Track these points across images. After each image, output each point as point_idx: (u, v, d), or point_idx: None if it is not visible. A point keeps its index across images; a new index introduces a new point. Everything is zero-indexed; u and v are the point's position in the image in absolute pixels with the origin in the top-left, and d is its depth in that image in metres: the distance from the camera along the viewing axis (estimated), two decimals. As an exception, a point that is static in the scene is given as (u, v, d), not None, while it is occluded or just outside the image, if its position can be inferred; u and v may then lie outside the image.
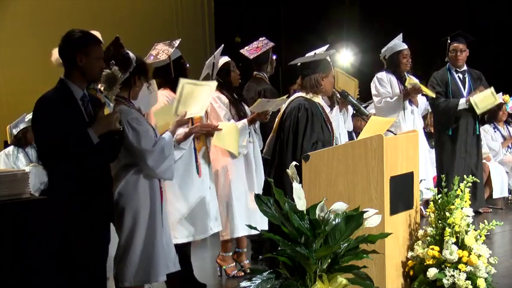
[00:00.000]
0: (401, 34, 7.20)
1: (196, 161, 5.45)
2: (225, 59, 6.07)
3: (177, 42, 5.50)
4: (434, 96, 7.10)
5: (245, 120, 5.86)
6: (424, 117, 9.37)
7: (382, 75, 7.27)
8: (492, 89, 7.26)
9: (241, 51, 6.62)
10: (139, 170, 4.46)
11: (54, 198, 3.95)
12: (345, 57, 14.06)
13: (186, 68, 5.55)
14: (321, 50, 5.49)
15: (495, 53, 12.75)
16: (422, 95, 7.46)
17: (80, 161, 3.91)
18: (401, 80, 7.18)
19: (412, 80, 7.05)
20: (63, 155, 3.89)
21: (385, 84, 7.21)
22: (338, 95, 6.35)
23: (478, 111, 7.17)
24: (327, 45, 5.73)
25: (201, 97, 5.05)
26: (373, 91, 7.26)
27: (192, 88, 4.98)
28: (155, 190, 4.53)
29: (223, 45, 6.17)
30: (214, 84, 5.29)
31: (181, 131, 5.18)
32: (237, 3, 14.28)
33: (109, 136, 4.03)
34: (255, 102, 5.81)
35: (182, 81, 4.95)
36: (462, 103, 7.18)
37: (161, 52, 5.45)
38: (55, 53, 4.45)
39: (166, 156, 4.49)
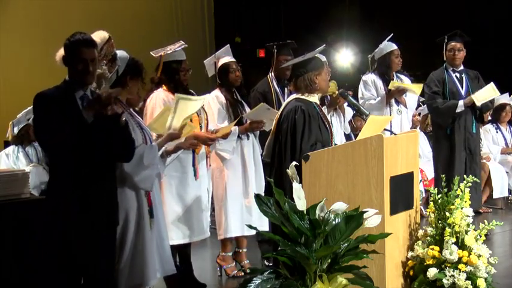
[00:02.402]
0: (392, 34, 7.19)
1: (194, 164, 5.45)
2: (227, 59, 6.05)
3: (178, 47, 5.47)
4: (419, 91, 7.09)
5: (237, 128, 5.84)
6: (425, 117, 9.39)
7: (367, 77, 7.27)
8: (492, 83, 7.26)
9: None
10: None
11: (53, 197, 3.92)
12: (345, 57, 14.09)
13: (178, 74, 5.42)
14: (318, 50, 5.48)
15: (495, 53, 12.76)
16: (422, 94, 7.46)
17: (82, 149, 3.71)
18: (388, 81, 7.15)
19: (395, 83, 7.04)
20: (65, 147, 3.70)
21: (369, 87, 7.20)
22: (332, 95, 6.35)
23: (478, 103, 7.15)
24: (324, 45, 5.73)
25: (191, 110, 5.01)
26: (359, 94, 7.26)
27: (187, 103, 4.92)
28: (141, 193, 4.42)
29: (228, 45, 6.16)
30: (204, 98, 5.31)
31: (172, 143, 5.00)
32: (237, 3, 14.31)
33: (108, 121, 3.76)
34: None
35: (177, 97, 4.88)
36: (461, 105, 7.14)
37: (168, 49, 5.44)
38: (60, 53, 4.45)
39: (145, 165, 4.33)
